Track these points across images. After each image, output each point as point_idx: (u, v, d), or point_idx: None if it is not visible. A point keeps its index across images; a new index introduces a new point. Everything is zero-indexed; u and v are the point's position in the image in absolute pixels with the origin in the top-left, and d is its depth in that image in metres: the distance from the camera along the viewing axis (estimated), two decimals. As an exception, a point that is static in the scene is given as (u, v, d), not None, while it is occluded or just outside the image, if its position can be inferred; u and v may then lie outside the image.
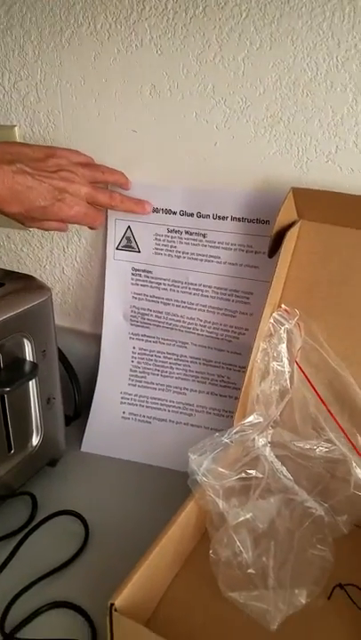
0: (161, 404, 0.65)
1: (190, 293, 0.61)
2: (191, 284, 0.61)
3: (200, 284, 0.60)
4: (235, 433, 0.48)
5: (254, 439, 0.52)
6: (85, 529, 0.52)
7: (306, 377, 0.50)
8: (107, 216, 0.61)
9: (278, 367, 0.53)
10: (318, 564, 0.45)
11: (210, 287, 0.60)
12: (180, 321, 0.63)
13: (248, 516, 0.44)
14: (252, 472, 0.49)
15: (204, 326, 0.62)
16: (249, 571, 0.41)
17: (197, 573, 0.44)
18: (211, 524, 0.45)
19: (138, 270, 0.62)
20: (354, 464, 0.45)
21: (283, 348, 0.53)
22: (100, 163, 0.57)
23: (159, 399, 0.65)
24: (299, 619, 0.39)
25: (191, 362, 0.64)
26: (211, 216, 0.57)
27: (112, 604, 0.35)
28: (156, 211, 0.59)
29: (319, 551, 0.45)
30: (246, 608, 0.39)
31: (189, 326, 0.63)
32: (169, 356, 0.65)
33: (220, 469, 0.47)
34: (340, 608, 0.43)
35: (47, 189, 0.48)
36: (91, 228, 0.58)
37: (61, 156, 0.52)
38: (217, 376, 0.63)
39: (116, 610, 0.35)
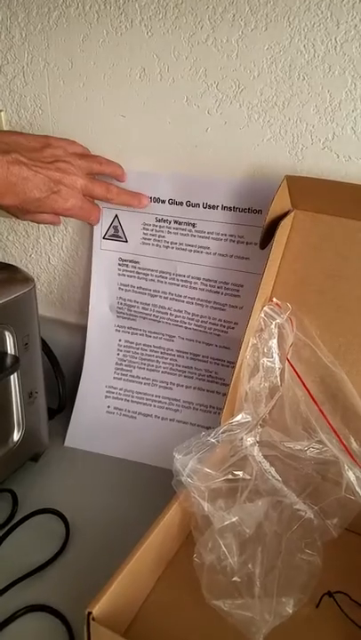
0: (147, 399, 0.64)
1: (178, 285, 0.59)
2: (179, 275, 0.59)
3: (189, 276, 0.58)
4: (222, 432, 0.46)
5: (242, 438, 0.51)
6: (66, 528, 0.50)
7: (297, 374, 0.49)
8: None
9: (269, 363, 0.51)
10: (307, 569, 0.43)
11: (199, 279, 0.58)
12: (167, 313, 0.61)
13: (234, 519, 0.43)
14: (240, 473, 0.47)
15: (192, 319, 0.60)
16: (234, 578, 0.39)
17: (181, 577, 0.43)
18: (195, 527, 0.43)
19: (125, 261, 0.60)
20: (346, 466, 0.44)
21: (273, 343, 0.51)
22: (87, 149, 0.55)
23: (145, 394, 0.64)
24: (285, 628, 0.38)
25: (178, 356, 0.62)
26: (201, 205, 0.55)
27: (90, 613, 0.33)
28: (144, 199, 0.57)
29: (308, 556, 0.44)
30: (231, 617, 0.37)
31: (177, 319, 0.61)
32: (155, 349, 0.63)
33: (206, 470, 0.45)
34: (329, 617, 0.41)
35: (43, 181, 0.46)
36: (89, 223, 0.56)
37: (58, 146, 0.50)
38: (205, 371, 0.62)
39: (93, 619, 0.33)
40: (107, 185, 0.53)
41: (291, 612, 0.37)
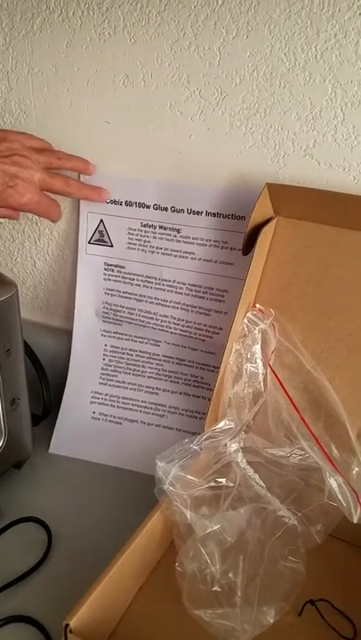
0: (132, 405, 0.63)
1: (164, 290, 0.59)
2: (165, 280, 0.59)
3: (174, 281, 0.58)
4: (205, 439, 0.46)
5: (226, 444, 0.50)
6: (48, 536, 0.49)
7: (279, 381, 0.49)
8: (79, 209, 0.59)
9: (252, 369, 0.51)
10: (290, 577, 0.43)
11: (184, 284, 0.58)
12: (153, 318, 0.61)
13: (216, 527, 0.42)
14: (223, 480, 0.47)
15: (178, 324, 0.60)
16: (215, 588, 0.39)
17: (163, 586, 0.42)
18: (178, 536, 0.43)
19: (110, 265, 0.60)
20: (328, 473, 0.44)
21: (257, 349, 0.51)
22: (71, 154, 0.54)
23: (130, 399, 0.63)
24: (267, 636, 0.38)
25: (164, 361, 0.62)
26: (185, 211, 0.55)
27: (67, 625, 0.33)
28: (129, 204, 0.57)
29: (291, 563, 0.44)
30: (211, 627, 0.37)
31: (162, 324, 0.60)
32: (141, 354, 0.63)
33: (190, 477, 0.45)
34: (311, 625, 0.41)
35: None
36: (51, 220, 0.55)
37: (14, 139, 0.50)
38: (190, 376, 0.62)
39: (71, 631, 0.33)
40: (66, 179, 0.52)
41: (272, 621, 0.37)
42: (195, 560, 0.40)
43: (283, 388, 0.48)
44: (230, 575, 0.40)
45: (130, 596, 0.41)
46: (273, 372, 0.49)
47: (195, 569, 0.40)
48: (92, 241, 0.60)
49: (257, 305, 0.52)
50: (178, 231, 0.56)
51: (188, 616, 0.38)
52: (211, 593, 0.39)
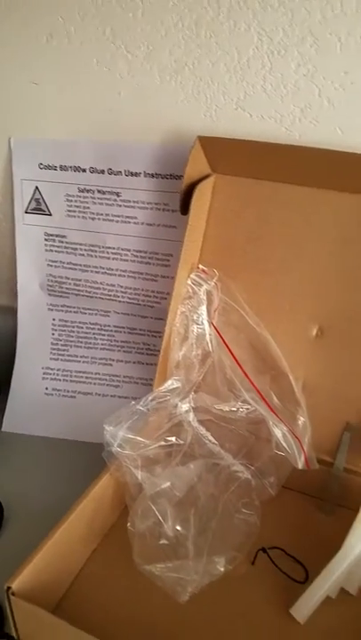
0: (86, 378, 0.62)
1: (109, 258, 0.58)
2: (109, 247, 0.57)
3: (118, 248, 0.57)
4: (151, 400, 0.45)
5: (177, 405, 0.50)
6: (0, 512, 0.48)
7: (222, 338, 0.49)
8: (12, 176, 0.57)
9: (199, 330, 0.51)
10: (244, 529, 0.43)
11: (129, 250, 0.57)
12: (99, 288, 0.59)
13: (166, 484, 0.42)
14: (173, 439, 0.47)
15: (125, 292, 0.59)
16: (163, 541, 0.39)
17: (117, 549, 0.42)
18: (129, 496, 0.43)
19: (51, 235, 0.59)
20: (272, 423, 0.44)
21: (203, 310, 0.51)
22: None
23: (84, 372, 0.62)
24: (221, 586, 0.38)
25: (115, 331, 0.62)
26: (123, 173, 0.54)
27: (9, 588, 0.32)
28: (64, 169, 0.55)
29: (245, 515, 0.44)
30: (161, 581, 0.37)
31: (110, 293, 0.59)
32: (92, 326, 0.62)
33: (139, 439, 0.45)
34: (264, 573, 0.42)
35: None
36: None
37: None
38: (142, 344, 0.61)
39: (13, 594, 0.32)
40: None
41: (222, 569, 0.38)
42: (146, 518, 0.40)
43: (226, 345, 0.48)
44: (181, 529, 0.40)
45: (81, 559, 0.41)
46: (217, 330, 0.49)
47: (147, 527, 0.40)
48: (28, 210, 0.58)
49: (200, 266, 0.51)
50: (117, 195, 0.55)
51: (143, 575, 0.38)
52: (161, 547, 0.39)
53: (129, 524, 0.41)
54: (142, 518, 0.40)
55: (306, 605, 0.37)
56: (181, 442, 0.47)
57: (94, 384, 0.63)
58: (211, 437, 0.49)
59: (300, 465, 0.43)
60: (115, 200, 0.55)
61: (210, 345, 0.51)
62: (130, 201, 0.55)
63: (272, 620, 0.38)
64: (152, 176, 0.53)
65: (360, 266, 0.47)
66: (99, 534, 0.43)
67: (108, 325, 0.62)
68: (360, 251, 0.47)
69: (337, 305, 0.48)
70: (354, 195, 0.45)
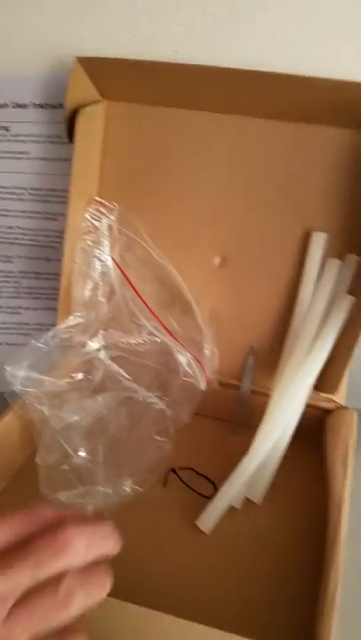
0: (-7, 327, 0.60)
1: (4, 199, 0.55)
2: (3, 187, 0.54)
3: (13, 187, 0.54)
4: (53, 337, 0.44)
5: (87, 344, 0.50)
6: None
7: (122, 272, 0.48)
8: None
9: (103, 267, 0.50)
10: (156, 454, 0.44)
11: (25, 189, 0.54)
12: (-2, 232, 0.57)
13: (74, 418, 0.42)
14: (81, 375, 0.46)
15: (26, 234, 0.56)
16: (69, 469, 0.39)
17: (28, 485, 0.42)
18: (36, 433, 0.42)
19: None
20: (176, 351, 0.44)
21: (105, 245, 0.50)
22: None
23: (-10, 322, 0.60)
24: (131, 509, 0.38)
25: (21, 277, 0.59)
26: (9, 105, 0.50)
27: None
28: None
29: (160, 443, 0.45)
30: (68, 507, 0.37)
31: (10, 236, 0.57)
32: (-6, 273, 0.59)
33: (44, 377, 0.44)
34: (175, 492, 0.43)
35: None
36: None
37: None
38: (50, 289, 0.59)
39: None
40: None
41: (129, 490, 0.38)
42: (54, 451, 0.40)
43: (127, 278, 0.48)
44: (89, 457, 0.40)
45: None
46: (117, 265, 0.48)
47: (55, 459, 0.40)
48: None
49: (96, 198, 0.50)
50: (7, 129, 0.52)
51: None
52: (68, 476, 0.39)
53: (37, 459, 0.41)
54: (50, 451, 0.40)
55: (210, 516, 0.39)
56: (90, 377, 0.47)
57: (3, 334, 0.60)
58: (124, 373, 0.50)
59: (203, 386, 0.44)
60: (4, 135, 0.52)
61: (114, 281, 0.50)
62: (20, 135, 0.52)
63: (181, 533, 0.39)
64: (40, 107, 0.50)
65: (259, 192, 0.47)
66: (6, 476, 0.42)
67: (13, 272, 0.59)
68: (258, 176, 0.47)
69: (238, 234, 0.49)
70: (250, 117, 0.45)
